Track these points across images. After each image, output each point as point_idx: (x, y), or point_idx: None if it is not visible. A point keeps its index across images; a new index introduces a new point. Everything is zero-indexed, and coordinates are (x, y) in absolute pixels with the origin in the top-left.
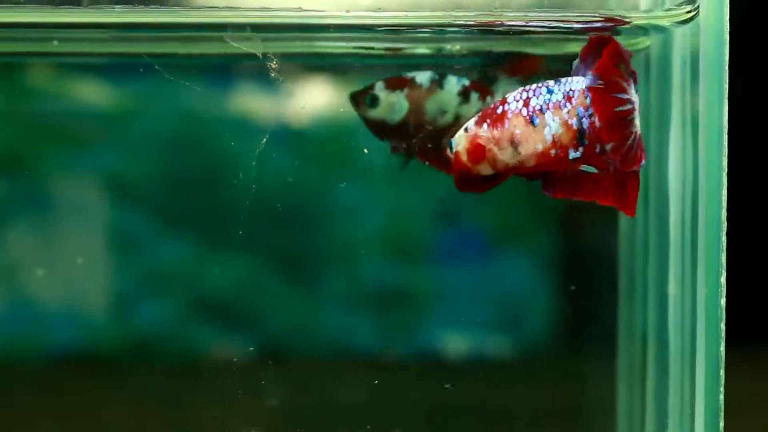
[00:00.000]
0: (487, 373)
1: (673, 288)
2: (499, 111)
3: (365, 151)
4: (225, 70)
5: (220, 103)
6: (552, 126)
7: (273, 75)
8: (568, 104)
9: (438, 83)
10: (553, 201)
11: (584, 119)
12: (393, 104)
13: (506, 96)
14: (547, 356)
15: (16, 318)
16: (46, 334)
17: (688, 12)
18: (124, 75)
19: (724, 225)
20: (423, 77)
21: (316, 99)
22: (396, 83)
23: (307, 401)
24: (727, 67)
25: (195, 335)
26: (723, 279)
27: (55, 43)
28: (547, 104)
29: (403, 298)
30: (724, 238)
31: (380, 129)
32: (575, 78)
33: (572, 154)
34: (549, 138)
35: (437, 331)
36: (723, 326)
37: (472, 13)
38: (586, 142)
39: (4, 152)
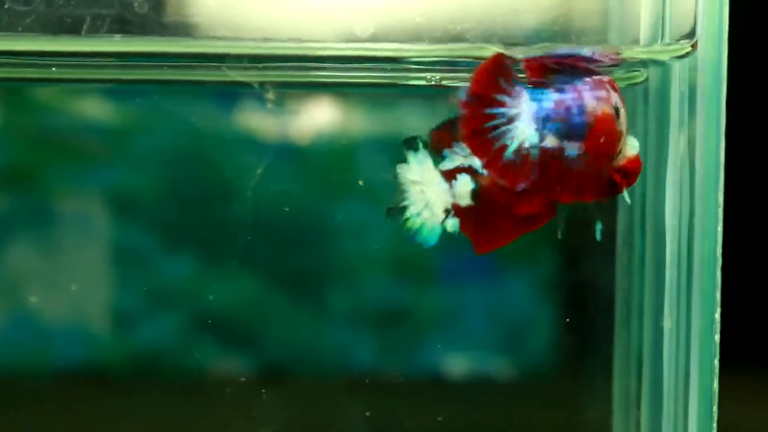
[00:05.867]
0: (487, 394)
1: (668, 323)
2: None
3: (360, 182)
4: (230, 93)
5: (223, 122)
6: None
7: (268, 105)
8: None
9: None
10: (555, 227)
11: None
12: None
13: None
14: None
15: (21, 333)
16: (50, 350)
17: (686, 47)
18: (128, 92)
19: (720, 260)
20: None
21: (317, 122)
22: None
23: (307, 420)
24: (724, 102)
25: (197, 352)
26: (717, 315)
27: (53, 69)
28: None
29: (406, 318)
30: (719, 274)
31: None
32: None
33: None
34: None
35: (439, 352)
36: (717, 362)
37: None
38: None
39: (8, 167)
